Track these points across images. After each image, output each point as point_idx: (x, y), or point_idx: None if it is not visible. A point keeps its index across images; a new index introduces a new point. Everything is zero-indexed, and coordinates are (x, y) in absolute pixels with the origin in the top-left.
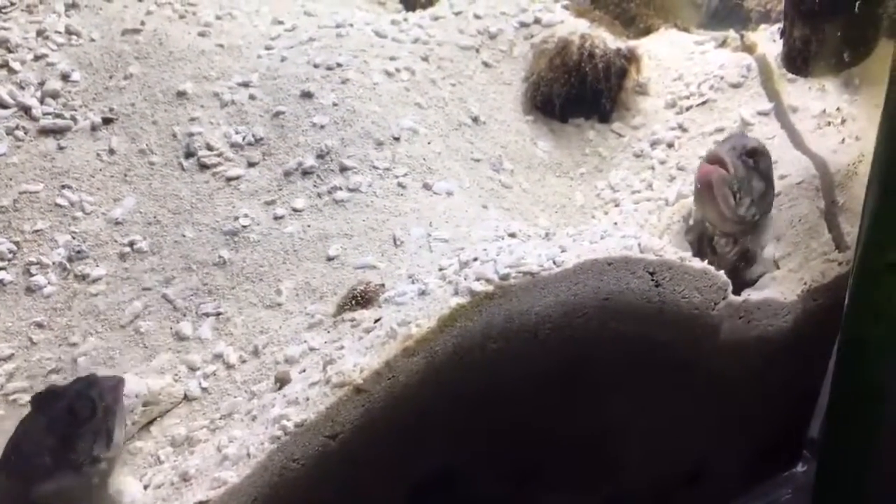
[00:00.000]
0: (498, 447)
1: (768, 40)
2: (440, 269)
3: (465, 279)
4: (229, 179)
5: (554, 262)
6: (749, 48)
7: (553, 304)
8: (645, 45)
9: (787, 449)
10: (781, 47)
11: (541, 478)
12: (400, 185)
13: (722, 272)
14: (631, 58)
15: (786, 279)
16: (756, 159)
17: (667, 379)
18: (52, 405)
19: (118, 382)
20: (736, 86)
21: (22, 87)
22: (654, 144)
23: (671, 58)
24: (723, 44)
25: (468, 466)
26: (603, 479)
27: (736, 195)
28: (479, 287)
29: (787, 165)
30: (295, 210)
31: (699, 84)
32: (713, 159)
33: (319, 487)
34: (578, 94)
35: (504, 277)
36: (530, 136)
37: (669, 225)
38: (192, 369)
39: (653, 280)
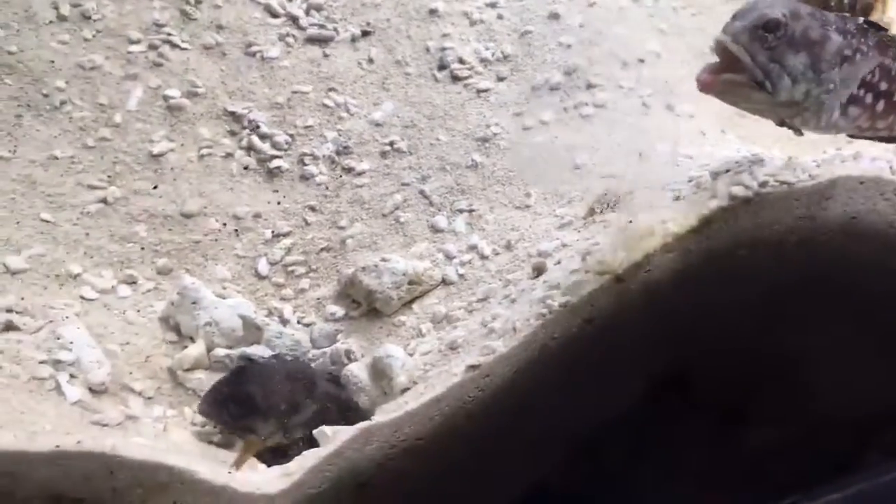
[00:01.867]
0: (729, 354)
1: None
2: (690, 180)
3: (724, 185)
4: (480, 91)
5: (810, 175)
6: None
7: (801, 217)
8: None
9: None
10: None
11: (756, 391)
12: (644, 104)
13: None
14: None
15: None
16: (780, 33)
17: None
18: None
19: None
20: None
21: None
22: None
23: None
24: None
25: (702, 369)
26: (811, 403)
27: (764, 83)
28: (739, 192)
29: None
30: (542, 122)
31: None
32: (721, 56)
33: (572, 366)
34: None
35: (762, 184)
36: None
37: None
38: (449, 257)
39: None
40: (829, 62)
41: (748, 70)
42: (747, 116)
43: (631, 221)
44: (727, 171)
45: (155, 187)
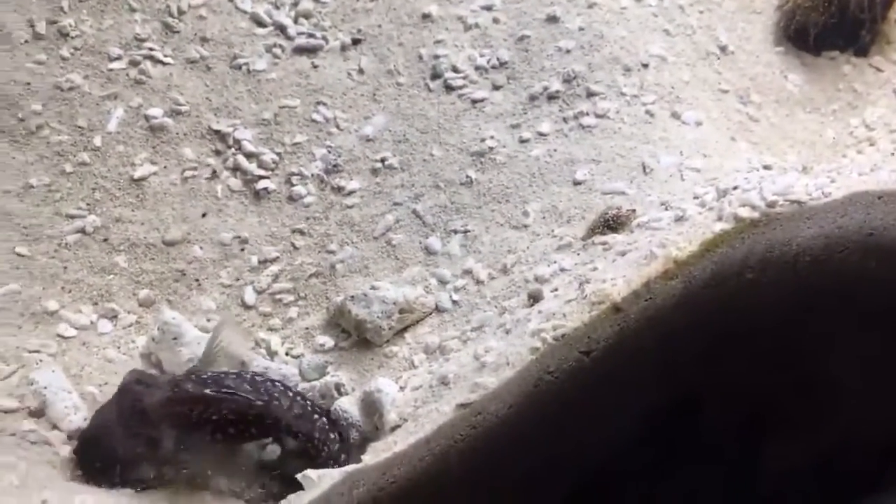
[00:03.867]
0: (740, 379)
1: None
2: (696, 197)
3: (730, 205)
4: (475, 101)
5: (822, 193)
6: None
7: (815, 236)
8: None
9: None
10: None
11: (776, 415)
12: (648, 112)
13: None
14: None
15: None
16: None
17: None
18: None
19: None
20: None
21: (277, 7)
22: None
23: None
24: None
25: (711, 397)
26: (833, 423)
27: None
28: (745, 213)
29: None
30: (541, 134)
31: None
32: None
33: (570, 401)
34: (837, 24)
35: (771, 205)
36: (780, 69)
37: None
38: (443, 282)
39: None
40: None
41: None
42: (760, 121)
43: (632, 245)
44: (735, 187)
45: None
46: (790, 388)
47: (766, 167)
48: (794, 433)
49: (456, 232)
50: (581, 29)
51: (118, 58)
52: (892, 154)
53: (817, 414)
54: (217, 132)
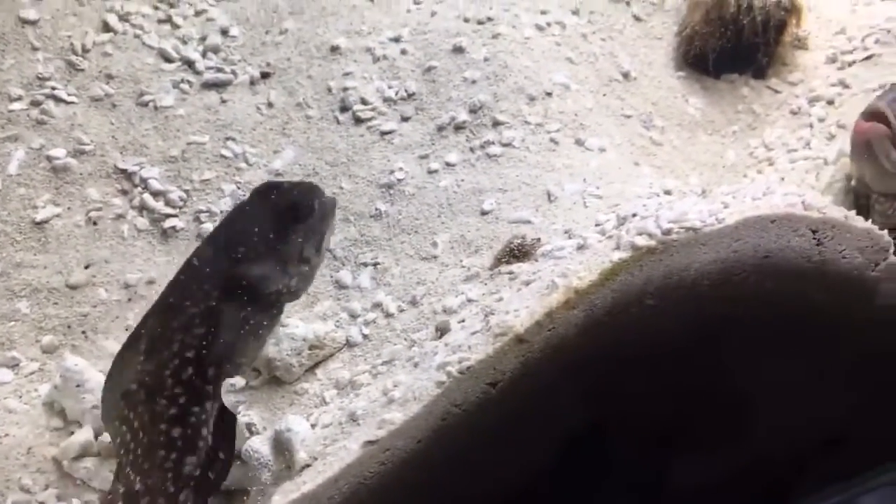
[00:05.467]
0: (647, 404)
1: None
2: (597, 225)
3: (627, 233)
4: (384, 133)
5: (716, 219)
6: None
7: (712, 261)
8: None
9: None
10: None
11: (685, 437)
12: (553, 140)
13: (885, 232)
14: (791, 9)
15: None
16: None
17: (818, 341)
18: (271, 197)
19: (335, 200)
20: None
21: (184, 42)
22: (812, 101)
23: (833, 9)
24: None
25: (618, 422)
26: (742, 441)
27: None
28: (642, 241)
29: None
30: (448, 164)
31: (863, 38)
32: (872, 113)
33: (478, 433)
34: (734, 48)
35: (667, 232)
36: (682, 93)
37: (830, 184)
38: (353, 316)
39: (815, 238)
40: None
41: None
42: (663, 145)
43: (536, 275)
44: (634, 214)
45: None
46: (697, 409)
47: (667, 192)
48: (703, 453)
49: (366, 265)
50: (486, 59)
51: (19, 98)
52: (791, 171)
53: (726, 433)
54: (123, 171)
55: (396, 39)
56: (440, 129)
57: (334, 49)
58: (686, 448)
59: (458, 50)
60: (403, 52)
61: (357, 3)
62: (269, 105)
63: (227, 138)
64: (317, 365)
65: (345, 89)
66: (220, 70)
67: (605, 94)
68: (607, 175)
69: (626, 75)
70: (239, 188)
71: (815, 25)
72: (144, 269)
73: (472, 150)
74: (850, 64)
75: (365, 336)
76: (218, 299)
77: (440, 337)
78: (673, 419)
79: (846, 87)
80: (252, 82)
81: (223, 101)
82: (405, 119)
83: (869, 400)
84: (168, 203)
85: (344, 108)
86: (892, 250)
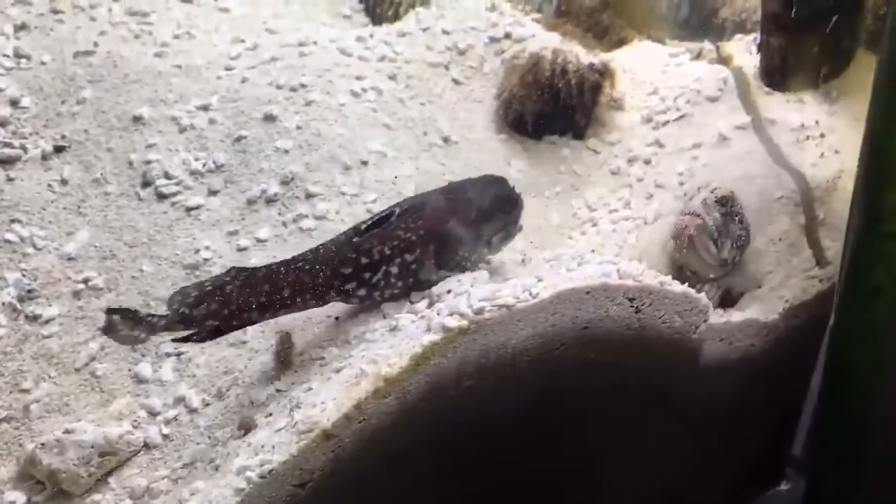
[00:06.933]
0: (475, 484)
1: (744, 51)
2: (411, 302)
3: (438, 314)
4: (189, 209)
5: (530, 294)
6: (725, 60)
7: (530, 337)
8: (619, 59)
9: (770, 467)
10: (759, 61)
11: None
12: (369, 211)
13: (703, 295)
14: (605, 72)
15: (767, 297)
16: (727, 205)
17: (646, 405)
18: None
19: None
20: (713, 99)
21: None
22: (630, 161)
23: (646, 71)
24: (698, 56)
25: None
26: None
27: (717, 241)
28: (453, 322)
29: (767, 180)
30: (259, 240)
31: (675, 98)
32: (688, 214)
33: None
34: (552, 110)
35: (478, 311)
36: (503, 156)
37: (649, 245)
38: (153, 414)
39: (632, 306)
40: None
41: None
42: None
43: (347, 360)
44: (449, 291)
45: None
46: (528, 484)
47: (486, 262)
48: None
49: (168, 355)
50: (299, 128)
51: None
52: (613, 231)
53: (567, 497)
54: None
55: (205, 108)
56: (250, 202)
57: (137, 119)
58: None
59: (270, 118)
60: (212, 121)
61: (163, 70)
62: (63, 182)
63: (13, 220)
64: (110, 472)
65: (147, 162)
66: (7, 145)
67: (424, 160)
68: None
69: (446, 140)
70: (24, 276)
71: (630, 86)
72: None
73: (284, 224)
74: (664, 124)
75: (165, 436)
76: (421, 237)
77: (244, 435)
78: (506, 495)
79: (661, 146)
80: (44, 157)
81: (10, 180)
82: (213, 193)
83: (704, 459)
84: None
85: (146, 183)
86: (710, 312)
